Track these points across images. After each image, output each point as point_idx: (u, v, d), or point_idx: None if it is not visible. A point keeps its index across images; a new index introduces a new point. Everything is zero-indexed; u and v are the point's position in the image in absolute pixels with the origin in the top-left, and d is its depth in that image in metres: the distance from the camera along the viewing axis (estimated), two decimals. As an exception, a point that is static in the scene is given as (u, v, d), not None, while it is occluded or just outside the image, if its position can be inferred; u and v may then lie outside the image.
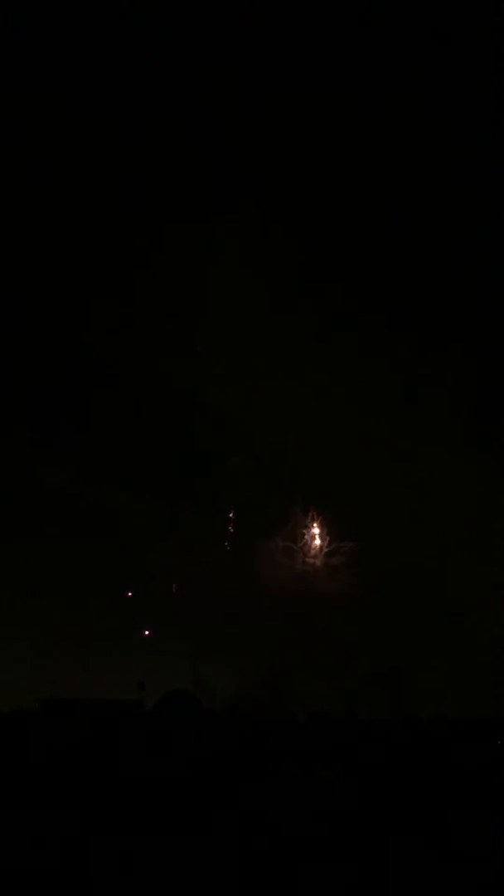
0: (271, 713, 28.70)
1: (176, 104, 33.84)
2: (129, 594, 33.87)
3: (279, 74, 33.32)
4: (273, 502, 34.96)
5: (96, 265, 34.83)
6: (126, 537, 34.05)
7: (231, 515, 35.86)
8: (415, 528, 33.31)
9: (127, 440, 34.85)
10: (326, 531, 34.81)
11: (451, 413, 33.31)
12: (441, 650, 31.59)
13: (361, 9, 32.57)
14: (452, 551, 32.39)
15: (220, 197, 33.90)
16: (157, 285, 34.58)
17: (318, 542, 34.81)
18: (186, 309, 34.78)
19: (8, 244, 33.96)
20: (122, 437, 34.72)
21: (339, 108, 33.79)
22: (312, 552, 34.74)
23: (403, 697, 29.51)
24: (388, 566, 32.85)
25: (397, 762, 22.15)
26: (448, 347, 33.55)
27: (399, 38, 32.87)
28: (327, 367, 33.93)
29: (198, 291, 34.65)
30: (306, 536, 34.95)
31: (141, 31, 32.54)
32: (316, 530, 34.94)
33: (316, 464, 34.56)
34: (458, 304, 34.66)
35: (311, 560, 34.76)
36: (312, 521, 35.03)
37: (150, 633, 33.79)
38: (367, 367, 34.55)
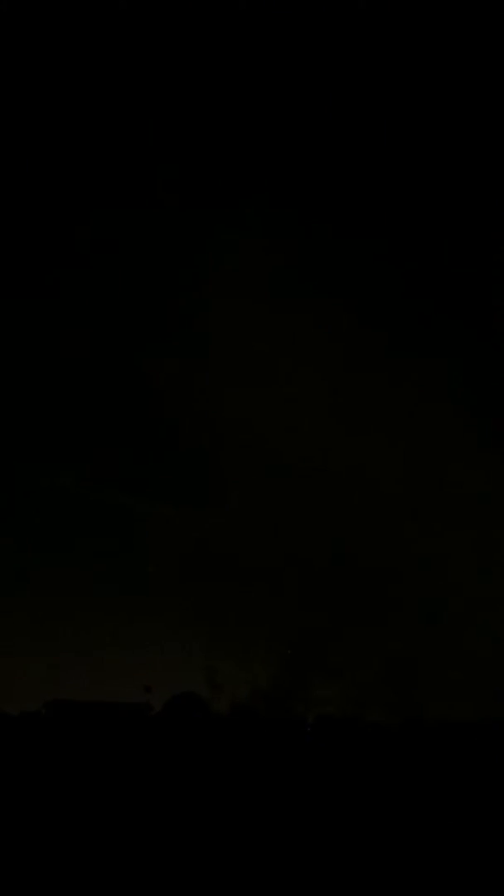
0: (281, 716, 28.52)
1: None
2: None
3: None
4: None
5: (95, 265, 34.98)
6: (131, 537, 34.21)
7: None
8: (416, 529, 33.32)
9: (127, 443, 35.06)
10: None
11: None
12: (446, 652, 31.51)
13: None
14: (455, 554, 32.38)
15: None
16: (154, 285, 34.70)
17: None
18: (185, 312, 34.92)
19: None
20: (125, 440, 34.94)
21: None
22: None
23: (410, 699, 29.34)
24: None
25: (402, 764, 22.24)
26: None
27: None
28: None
29: (195, 293, 34.69)
30: None
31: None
32: None
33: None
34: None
35: None
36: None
37: None
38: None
